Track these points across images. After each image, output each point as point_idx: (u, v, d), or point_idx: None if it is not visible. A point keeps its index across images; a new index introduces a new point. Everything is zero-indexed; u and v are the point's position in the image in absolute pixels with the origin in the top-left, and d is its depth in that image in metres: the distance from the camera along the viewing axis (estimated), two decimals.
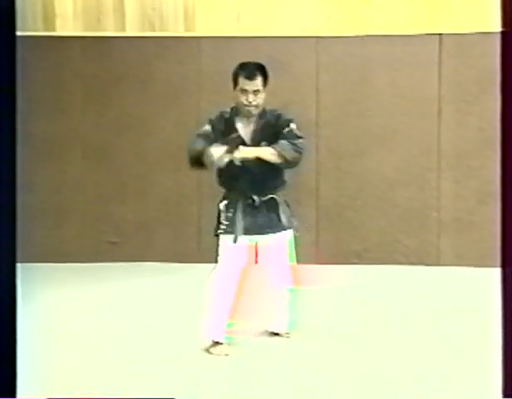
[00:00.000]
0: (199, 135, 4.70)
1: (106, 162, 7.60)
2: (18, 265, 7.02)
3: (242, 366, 4.49)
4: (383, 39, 7.33)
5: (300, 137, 4.76)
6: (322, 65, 7.40)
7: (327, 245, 7.47)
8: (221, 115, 4.78)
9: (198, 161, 4.68)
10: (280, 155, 4.64)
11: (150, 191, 7.59)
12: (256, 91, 4.66)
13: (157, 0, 7.47)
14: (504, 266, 1.92)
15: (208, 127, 4.72)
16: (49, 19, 7.47)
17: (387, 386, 4.09)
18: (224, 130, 4.73)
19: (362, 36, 7.34)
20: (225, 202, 4.79)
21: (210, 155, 4.54)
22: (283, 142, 4.69)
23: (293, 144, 4.69)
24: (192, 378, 4.28)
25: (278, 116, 4.81)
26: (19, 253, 7.29)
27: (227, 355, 4.66)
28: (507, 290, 1.93)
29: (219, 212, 4.81)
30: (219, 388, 4.14)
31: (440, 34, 7.27)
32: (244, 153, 4.61)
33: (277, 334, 5.08)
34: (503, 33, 1.88)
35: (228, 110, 4.79)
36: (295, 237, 4.89)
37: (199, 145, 4.63)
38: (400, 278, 6.96)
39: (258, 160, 4.69)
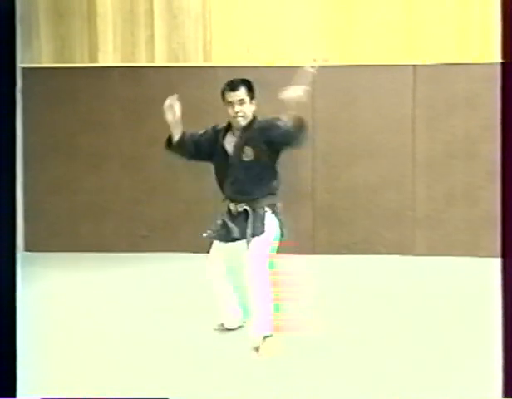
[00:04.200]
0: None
1: (139, 170, 7.59)
2: (65, 254, 6.99)
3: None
4: (368, 68, 7.32)
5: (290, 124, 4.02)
6: (317, 89, 7.29)
7: (322, 239, 7.44)
8: (213, 128, 4.42)
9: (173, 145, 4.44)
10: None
11: (175, 194, 7.56)
12: (241, 101, 4.17)
13: (181, 36, 7.48)
14: (504, 256, 1.77)
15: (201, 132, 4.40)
16: (93, 53, 7.50)
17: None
18: (211, 140, 4.34)
19: (351, 66, 7.32)
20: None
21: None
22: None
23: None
24: (208, 358, 4.11)
25: (266, 120, 4.22)
26: (67, 245, 7.29)
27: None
28: (507, 280, 1.76)
29: None
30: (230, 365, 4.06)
31: (414, 65, 7.26)
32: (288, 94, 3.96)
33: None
34: (503, 64, 1.74)
35: (223, 125, 4.35)
36: (282, 239, 4.28)
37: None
38: (381, 265, 6.95)
39: (241, 163, 4.18)
